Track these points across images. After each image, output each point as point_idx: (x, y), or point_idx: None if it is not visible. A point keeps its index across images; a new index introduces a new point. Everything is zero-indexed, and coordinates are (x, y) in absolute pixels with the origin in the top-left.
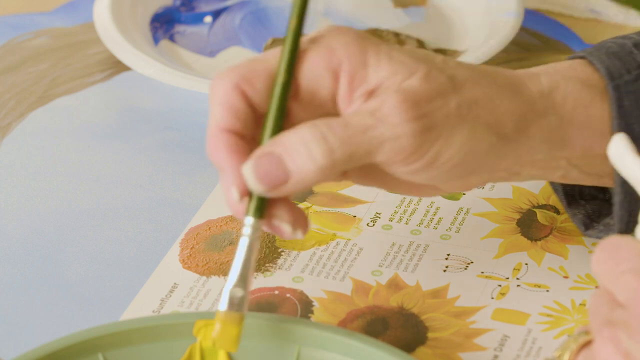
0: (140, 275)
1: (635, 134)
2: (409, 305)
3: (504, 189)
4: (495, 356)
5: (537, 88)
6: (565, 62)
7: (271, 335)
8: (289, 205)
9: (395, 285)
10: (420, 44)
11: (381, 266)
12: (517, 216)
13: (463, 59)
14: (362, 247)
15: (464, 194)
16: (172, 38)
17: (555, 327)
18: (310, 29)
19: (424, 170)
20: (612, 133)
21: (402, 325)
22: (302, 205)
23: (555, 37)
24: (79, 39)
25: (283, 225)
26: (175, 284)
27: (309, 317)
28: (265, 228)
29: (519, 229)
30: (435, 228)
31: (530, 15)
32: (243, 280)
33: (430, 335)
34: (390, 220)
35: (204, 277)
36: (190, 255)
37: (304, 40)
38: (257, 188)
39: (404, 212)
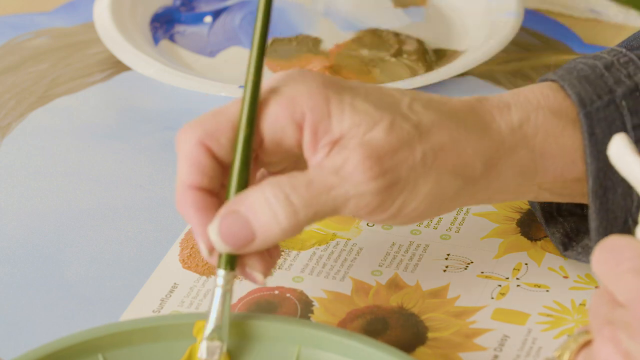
0: (140, 275)
1: (607, 162)
2: (409, 305)
3: None
4: (495, 356)
5: (507, 124)
6: (536, 87)
7: (271, 335)
8: (260, 255)
9: (395, 285)
10: (420, 44)
11: (381, 266)
12: (517, 216)
13: (463, 59)
14: (362, 247)
15: None
16: (172, 38)
17: (555, 327)
18: (311, 30)
19: (389, 220)
20: (583, 161)
21: (402, 325)
22: None
23: (555, 37)
24: (79, 39)
25: (254, 274)
26: (175, 284)
27: (308, 317)
28: (239, 275)
29: (519, 229)
30: (435, 228)
31: (530, 15)
32: (219, 330)
33: (430, 335)
34: None
35: (204, 277)
36: (190, 255)
37: (265, 88)
38: (223, 248)
39: None
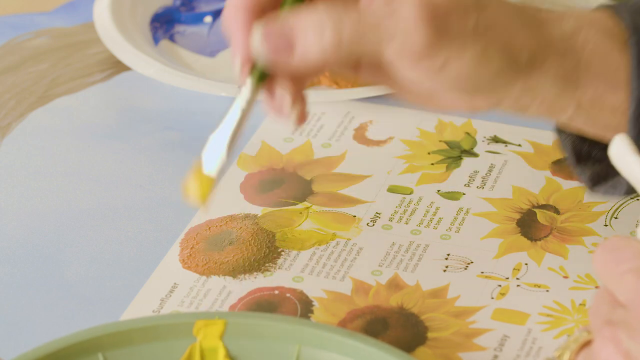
0: (140, 275)
1: None
2: (409, 305)
3: (504, 189)
4: (495, 356)
5: (559, 30)
6: (591, 11)
7: (271, 335)
8: (294, 85)
9: (395, 285)
10: None
11: (381, 266)
12: (517, 216)
13: None
14: (362, 247)
15: (464, 193)
16: (172, 38)
17: (555, 327)
18: None
19: (431, 75)
20: (626, 87)
21: (402, 325)
22: (301, 205)
23: None
24: (79, 39)
25: (285, 96)
26: (175, 283)
27: (309, 317)
28: (265, 100)
29: (519, 229)
30: (435, 228)
31: None
32: (228, 146)
33: (430, 335)
34: (390, 220)
35: (204, 277)
36: (190, 255)
37: None
38: (261, 49)
39: (404, 212)
